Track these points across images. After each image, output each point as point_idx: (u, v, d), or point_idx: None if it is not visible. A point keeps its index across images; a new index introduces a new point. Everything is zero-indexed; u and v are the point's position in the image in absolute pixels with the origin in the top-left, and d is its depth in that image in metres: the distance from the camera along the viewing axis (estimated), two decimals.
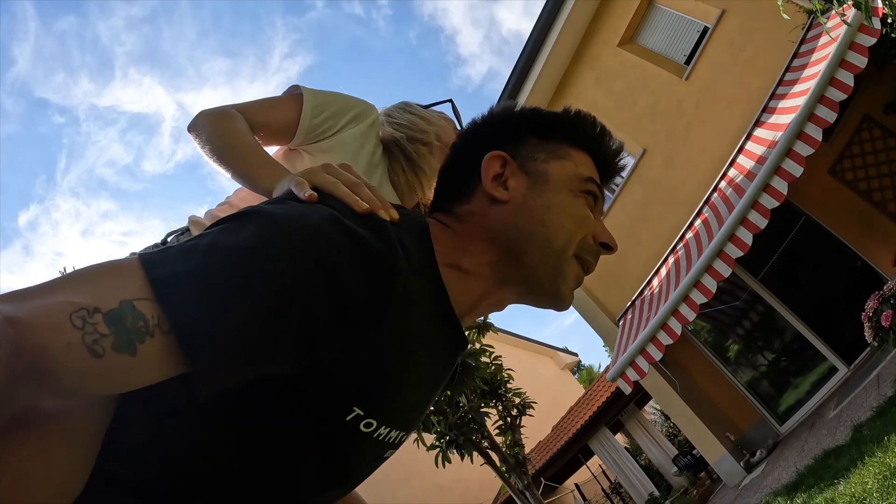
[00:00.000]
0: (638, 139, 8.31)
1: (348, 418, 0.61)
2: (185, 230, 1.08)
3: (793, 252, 7.30)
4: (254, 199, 1.05)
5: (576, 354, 20.42)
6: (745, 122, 6.87)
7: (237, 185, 1.10)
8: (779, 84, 6.49)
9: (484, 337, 9.11)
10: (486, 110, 0.88)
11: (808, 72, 5.83)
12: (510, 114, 0.83)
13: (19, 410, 0.45)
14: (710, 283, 6.11)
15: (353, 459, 0.68)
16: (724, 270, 6.00)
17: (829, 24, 5.56)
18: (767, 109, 6.56)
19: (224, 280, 0.51)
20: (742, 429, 7.48)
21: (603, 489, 12.43)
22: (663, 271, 7.73)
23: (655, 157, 8.14)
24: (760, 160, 6.01)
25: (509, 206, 0.74)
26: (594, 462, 12.60)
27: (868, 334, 4.23)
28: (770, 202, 5.62)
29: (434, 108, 1.47)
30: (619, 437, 12.85)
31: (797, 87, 5.91)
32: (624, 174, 8.60)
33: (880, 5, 4.53)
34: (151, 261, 0.51)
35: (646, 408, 13.28)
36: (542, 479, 12.02)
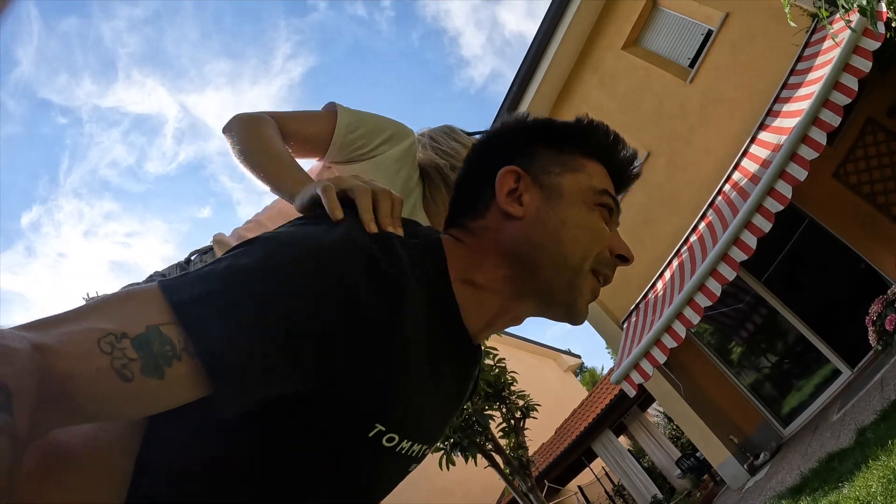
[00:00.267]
0: (641, 142, 8.32)
1: (371, 434, 0.62)
2: (209, 249, 1.08)
3: (796, 255, 7.31)
4: (282, 218, 1.06)
5: (579, 357, 20.41)
6: (749, 125, 6.88)
7: (263, 202, 1.14)
8: (783, 87, 6.51)
9: (487, 339, 9.14)
10: (498, 123, 0.88)
11: (812, 75, 5.84)
12: (522, 126, 0.82)
13: (49, 433, 0.47)
14: (715, 287, 6.12)
15: (378, 474, 0.69)
16: (729, 274, 6.01)
17: (834, 27, 5.59)
18: (771, 113, 6.57)
19: (242, 303, 0.52)
20: (745, 431, 7.49)
21: (606, 491, 12.42)
22: (667, 274, 7.74)
23: (659, 160, 8.15)
24: (765, 164, 6.02)
25: (524, 222, 0.74)
26: (597, 464, 12.59)
27: (872, 338, 4.24)
28: (774, 206, 5.63)
29: (478, 136, 1.42)
30: (623, 440, 12.83)
31: (801, 91, 5.92)
32: None
33: (885, 10, 4.54)
34: (171, 286, 0.53)
35: (649, 410, 13.27)
36: (545, 481, 12.01)
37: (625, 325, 8.39)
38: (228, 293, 0.52)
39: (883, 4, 4.39)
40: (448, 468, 7.90)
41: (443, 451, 7.91)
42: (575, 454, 11.85)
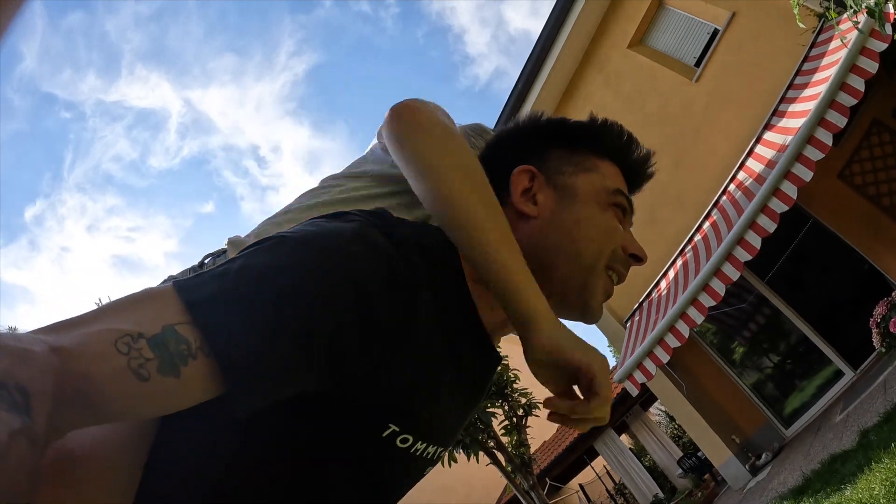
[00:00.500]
0: (646, 141, 7.96)
1: (384, 434, 0.62)
2: (223, 252, 1.05)
3: (800, 255, 7.29)
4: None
5: None
6: (755, 125, 6.87)
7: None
8: (789, 87, 6.49)
9: (499, 341, 9.15)
10: (512, 122, 0.89)
11: (818, 76, 5.82)
12: (536, 126, 0.83)
13: (66, 434, 0.47)
14: (719, 287, 6.11)
15: (391, 475, 0.69)
16: (733, 274, 6.00)
17: (842, 27, 5.57)
18: (777, 113, 6.56)
19: (257, 302, 0.52)
20: (747, 432, 7.49)
21: (607, 490, 12.44)
22: (671, 273, 7.74)
23: (664, 160, 8.12)
24: (770, 164, 6.01)
25: (538, 222, 0.74)
26: (599, 462, 12.61)
27: (876, 340, 4.23)
28: (779, 206, 5.62)
29: None
30: (624, 438, 12.83)
31: (807, 91, 5.90)
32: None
33: (892, 11, 4.53)
34: (186, 286, 0.53)
35: (651, 409, 13.27)
36: (546, 479, 12.03)
37: (628, 324, 8.39)
38: (243, 293, 0.52)
39: (891, 6, 4.37)
40: (450, 465, 7.91)
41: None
42: (577, 452, 11.86)
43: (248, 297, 0.52)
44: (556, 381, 0.68)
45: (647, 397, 10.70)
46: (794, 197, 5.55)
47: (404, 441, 0.64)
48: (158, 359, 0.47)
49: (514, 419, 8.94)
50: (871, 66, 5.01)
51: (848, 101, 5.13)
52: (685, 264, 7.33)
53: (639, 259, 0.78)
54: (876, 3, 3.36)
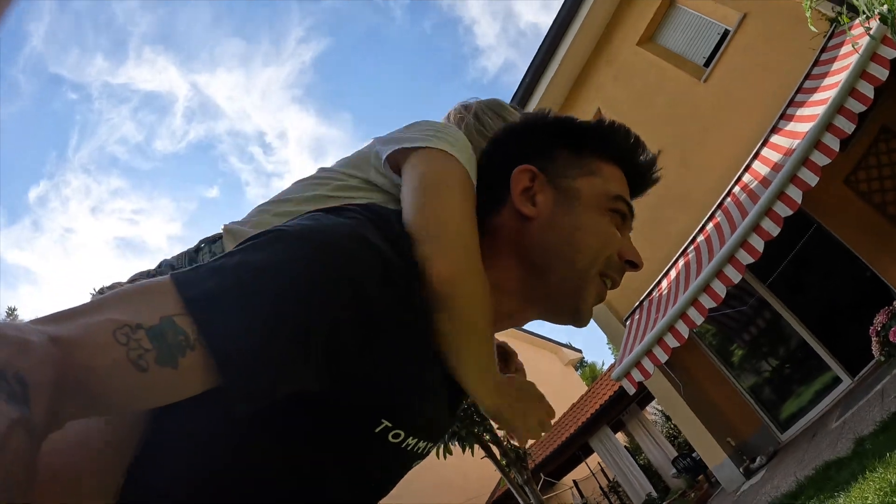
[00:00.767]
0: (653, 139, 8.18)
1: (377, 430, 0.63)
2: (218, 238, 1.03)
3: (802, 260, 7.27)
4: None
5: (580, 351, 20.40)
6: (762, 127, 6.83)
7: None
8: (798, 91, 6.44)
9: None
10: (520, 118, 0.88)
11: (828, 81, 5.78)
12: (542, 124, 0.82)
13: (64, 425, 0.47)
14: (720, 288, 6.10)
15: (383, 469, 0.70)
16: (735, 276, 5.99)
17: (853, 32, 5.52)
18: (785, 116, 6.52)
19: (255, 298, 0.52)
20: (743, 434, 7.50)
21: (601, 487, 12.48)
22: (673, 273, 7.73)
23: (670, 158, 8.09)
24: (776, 167, 5.98)
25: (536, 223, 0.74)
26: (593, 459, 12.66)
27: (875, 348, 4.23)
28: (784, 210, 5.60)
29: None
30: (620, 436, 12.87)
31: (816, 96, 5.86)
32: None
33: None
34: (185, 280, 0.53)
35: (648, 408, 13.30)
36: (541, 474, 12.09)
37: (628, 323, 8.39)
38: (241, 289, 0.52)
39: None
40: (445, 457, 7.95)
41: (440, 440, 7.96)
42: (572, 449, 11.90)
43: (246, 294, 0.52)
44: None
45: (644, 395, 10.72)
46: (799, 201, 5.52)
47: (396, 436, 0.65)
48: (157, 349, 0.47)
49: None
50: (882, 73, 4.97)
51: (857, 107, 5.10)
52: (687, 264, 7.32)
53: (635, 266, 0.77)
54: (889, 10, 3.32)
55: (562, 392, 15.86)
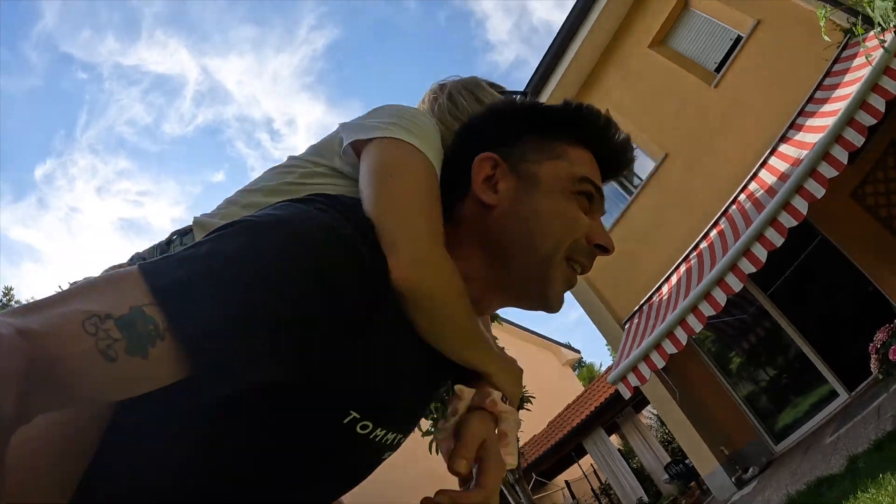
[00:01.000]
0: (660, 143, 8.21)
1: (345, 421, 0.62)
2: (189, 230, 1.03)
3: (805, 270, 7.21)
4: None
5: (578, 351, 20.36)
6: (771, 135, 6.76)
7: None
8: (808, 101, 6.37)
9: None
10: (486, 107, 0.87)
11: (839, 92, 5.71)
12: (508, 111, 0.81)
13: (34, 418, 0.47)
14: (720, 297, 6.06)
15: (352, 460, 0.69)
16: (736, 285, 5.95)
17: (868, 45, 5.45)
18: (794, 126, 6.45)
19: (224, 287, 0.52)
20: (737, 444, 7.48)
21: (593, 489, 12.49)
22: (674, 278, 7.69)
23: (676, 163, 8.04)
24: (783, 177, 5.93)
25: (498, 210, 0.73)
26: (586, 461, 12.65)
27: (874, 366, 4.19)
28: (789, 221, 5.55)
29: (515, 94, 1.16)
30: (614, 439, 12.86)
31: (827, 107, 5.80)
32: (643, 176, 8.61)
33: None
34: (153, 270, 0.52)
35: (643, 412, 13.29)
36: (532, 473, 12.10)
37: (626, 326, 8.35)
38: (210, 278, 0.52)
39: None
40: (437, 452, 7.94)
41: (433, 436, 7.94)
42: (565, 449, 11.90)
43: (216, 283, 0.52)
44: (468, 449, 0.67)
45: (640, 399, 10.68)
46: (805, 213, 5.47)
47: (364, 427, 0.64)
48: (126, 339, 0.47)
49: None
50: (894, 87, 4.91)
51: (867, 120, 5.04)
52: (689, 270, 7.27)
53: (605, 249, 0.75)
54: None
55: (559, 392, 15.87)
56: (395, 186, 0.72)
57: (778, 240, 5.63)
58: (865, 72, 5.14)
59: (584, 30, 8.36)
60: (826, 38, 3.60)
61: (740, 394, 7.73)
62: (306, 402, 0.60)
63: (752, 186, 6.78)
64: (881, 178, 6.23)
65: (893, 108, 5.41)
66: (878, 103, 4.97)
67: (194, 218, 1.03)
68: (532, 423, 10.18)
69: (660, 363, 6.59)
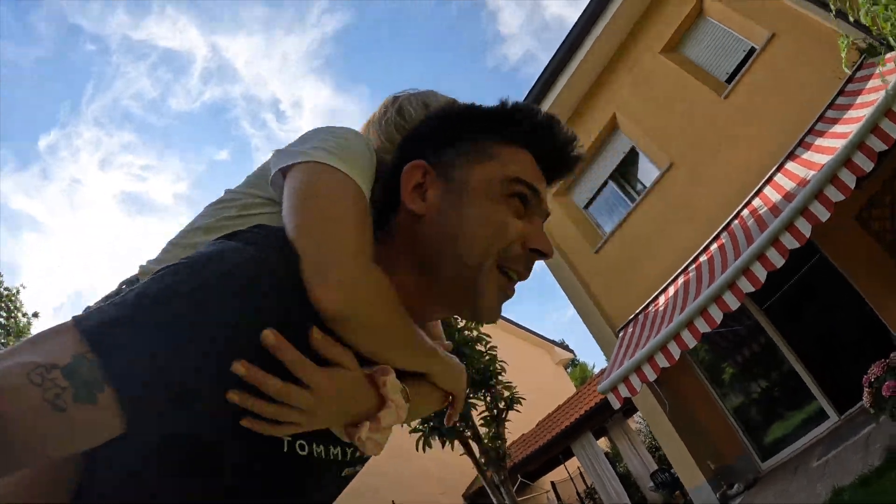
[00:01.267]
0: (666, 151, 8.11)
1: (285, 449, 0.62)
2: (137, 279, 1.01)
3: (802, 288, 7.13)
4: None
5: (572, 352, 20.38)
6: (779, 151, 6.66)
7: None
8: (819, 119, 6.27)
9: (483, 326, 9.07)
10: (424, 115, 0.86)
11: (851, 113, 5.61)
12: (441, 116, 0.78)
13: None
14: (717, 314, 6.00)
15: (302, 482, 0.66)
16: (733, 303, 5.89)
17: (885, 66, 5.33)
18: (803, 144, 6.35)
19: (148, 329, 0.52)
20: (724, 459, 7.44)
21: (578, 492, 12.52)
22: (671, 289, 7.62)
23: (681, 172, 7.94)
24: (788, 196, 5.84)
25: (427, 219, 0.70)
26: (573, 462, 12.67)
27: (866, 399, 4.13)
28: (791, 242, 5.47)
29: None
30: (602, 441, 12.87)
31: (838, 128, 5.69)
32: (647, 184, 8.51)
33: None
34: (85, 316, 0.53)
35: (634, 416, 13.28)
36: (518, 475, 12.11)
37: (621, 334, 8.30)
38: (139, 319, 0.53)
39: None
40: (424, 450, 7.94)
41: (421, 434, 7.94)
42: (553, 451, 11.91)
43: (142, 325, 0.53)
44: None
45: (630, 405, 10.67)
46: (808, 235, 5.39)
47: (301, 448, 0.64)
48: (73, 387, 0.47)
49: (495, 411, 8.91)
50: None
51: (878, 145, 4.94)
52: (686, 283, 7.20)
53: (542, 254, 0.72)
54: None
55: (550, 391, 15.88)
56: (314, 209, 0.70)
57: (779, 260, 5.56)
58: (879, 95, 5.03)
59: (596, 30, 8.22)
60: (846, 69, 3.49)
61: (730, 408, 7.68)
62: (242, 436, 0.58)
63: (756, 202, 6.69)
64: (888, 203, 6.13)
65: None
66: (891, 129, 4.87)
67: (140, 266, 1.02)
68: (521, 422, 10.16)
69: (651, 376, 6.54)
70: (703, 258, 7.27)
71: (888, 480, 3.66)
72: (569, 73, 8.62)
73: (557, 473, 13.53)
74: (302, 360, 0.59)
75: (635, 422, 14.31)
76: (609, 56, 8.60)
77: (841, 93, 6.06)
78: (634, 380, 6.70)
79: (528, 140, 0.74)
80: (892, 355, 4.10)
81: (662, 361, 6.44)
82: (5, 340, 12.20)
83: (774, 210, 5.99)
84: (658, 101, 8.14)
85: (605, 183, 9.17)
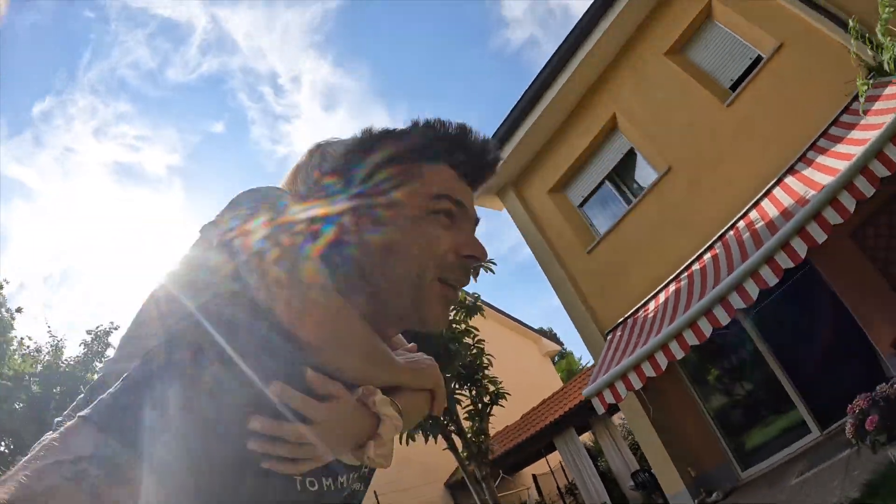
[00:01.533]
0: (665, 155, 8.02)
1: (298, 488, 0.65)
2: (102, 382, 1.06)
3: (792, 298, 7.11)
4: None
5: (560, 343, 20.48)
6: (779, 164, 6.60)
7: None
8: (822, 135, 6.19)
9: (472, 319, 9.04)
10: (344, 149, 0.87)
11: (855, 134, 5.53)
12: (358, 149, 0.80)
13: None
14: (706, 327, 5.99)
15: None
16: (724, 318, 5.87)
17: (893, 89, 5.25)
18: (804, 159, 6.28)
19: (159, 403, 0.57)
20: (704, 466, 7.50)
21: (558, 487, 12.64)
22: (662, 296, 7.60)
23: (679, 178, 7.87)
24: (785, 213, 5.78)
25: (360, 249, 0.74)
26: (554, 456, 12.76)
27: (849, 430, 4.13)
28: (785, 262, 5.44)
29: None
30: (586, 436, 12.97)
31: (840, 147, 5.62)
32: (644, 186, 8.43)
33: None
34: (92, 412, 0.56)
35: (618, 414, 13.38)
36: (500, 470, 12.19)
37: (609, 337, 8.30)
38: (145, 397, 0.56)
39: None
40: (408, 443, 7.96)
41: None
42: (536, 445, 11.99)
43: (153, 400, 0.57)
44: None
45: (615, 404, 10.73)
46: (803, 255, 5.36)
47: (312, 484, 0.67)
48: (104, 472, 0.49)
49: (480, 405, 8.93)
50: None
51: (881, 171, 4.89)
52: (678, 292, 7.17)
53: (476, 259, 0.75)
54: None
55: (536, 383, 15.93)
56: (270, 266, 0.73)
57: (772, 279, 5.53)
58: (886, 119, 4.95)
59: (601, 27, 8.05)
60: (862, 99, 3.41)
61: (713, 415, 7.71)
62: (260, 483, 0.61)
63: (753, 215, 6.64)
64: (884, 223, 6.09)
65: None
66: None
67: (99, 368, 1.08)
68: (505, 413, 10.18)
69: (637, 384, 6.55)
70: (695, 267, 7.23)
71: None
72: (572, 68, 8.46)
73: (539, 466, 13.65)
74: (307, 401, 0.63)
75: (619, 417, 14.45)
76: (613, 53, 8.44)
77: (846, 110, 5.98)
78: (620, 387, 6.71)
79: (444, 154, 0.77)
80: (877, 388, 4.09)
81: (649, 370, 6.43)
82: None
83: (771, 226, 5.94)
84: (659, 104, 8.02)
85: (602, 183, 9.08)
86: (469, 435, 8.63)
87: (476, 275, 8.45)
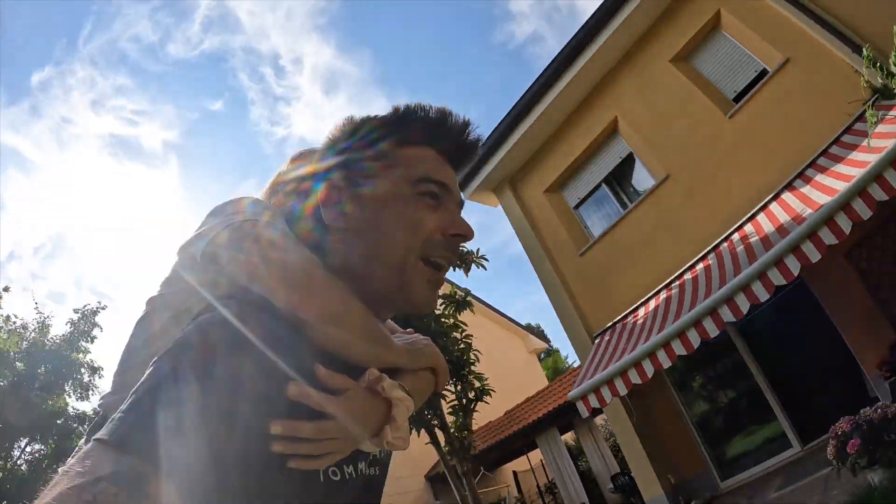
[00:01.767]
0: (664, 162, 8.00)
1: (321, 479, 0.67)
2: (103, 418, 1.03)
3: (781, 312, 7.14)
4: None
5: (547, 340, 20.51)
6: (778, 179, 6.60)
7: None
8: (823, 153, 6.19)
9: (461, 314, 9.03)
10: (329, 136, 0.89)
11: (856, 155, 5.53)
12: (342, 136, 0.81)
13: None
14: (695, 339, 6.00)
15: (354, 500, 0.73)
16: (713, 331, 5.88)
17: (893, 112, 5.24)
18: (803, 177, 6.28)
19: (174, 414, 0.56)
20: (684, 474, 7.55)
21: (538, 485, 12.71)
22: (652, 303, 7.61)
23: (677, 186, 7.86)
24: (781, 230, 5.79)
25: (350, 233, 0.75)
26: (535, 454, 12.83)
27: (830, 452, 4.15)
28: (778, 278, 5.44)
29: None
30: (568, 435, 13.03)
31: (840, 168, 5.62)
32: (641, 192, 8.42)
33: None
34: (106, 433, 0.55)
35: (601, 416, 13.46)
36: (481, 467, 12.23)
37: (597, 340, 8.31)
38: (161, 410, 0.55)
39: None
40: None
41: None
42: (518, 443, 12.04)
43: (167, 413, 0.56)
44: None
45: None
46: (796, 273, 5.36)
47: (334, 474, 0.69)
48: (126, 488, 0.49)
49: (464, 401, 8.93)
50: None
51: (880, 195, 4.88)
52: (668, 300, 7.18)
53: (462, 237, 0.76)
54: None
55: (521, 380, 15.99)
56: (262, 255, 0.76)
57: (763, 295, 5.53)
58: (889, 143, 4.94)
59: (609, 28, 8.00)
60: (872, 127, 3.39)
61: (695, 423, 7.76)
62: (285, 479, 0.62)
63: (748, 228, 6.65)
64: (878, 245, 6.11)
65: None
66: (895, 180, 4.80)
67: (99, 402, 1.09)
68: (489, 408, 10.20)
69: (623, 390, 6.56)
70: (687, 276, 7.24)
71: None
72: (576, 68, 8.42)
73: (520, 463, 13.71)
74: (325, 398, 0.64)
75: (602, 419, 14.53)
76: (619, 56, 8.40)
77: (848, 130, 5.98)
78: (605, 392, 6.72)
79: (426, 137, 0.78)
80: (861, 412, 4.12)
81: (635, 378, 6.45)
82: None
83: (765, 241, 5.94)
84: (661, 110, 8.00)
85: (599, 185, 9.06)
86: (452, 430, 8.64)
87: (468, 270, 8.44)
